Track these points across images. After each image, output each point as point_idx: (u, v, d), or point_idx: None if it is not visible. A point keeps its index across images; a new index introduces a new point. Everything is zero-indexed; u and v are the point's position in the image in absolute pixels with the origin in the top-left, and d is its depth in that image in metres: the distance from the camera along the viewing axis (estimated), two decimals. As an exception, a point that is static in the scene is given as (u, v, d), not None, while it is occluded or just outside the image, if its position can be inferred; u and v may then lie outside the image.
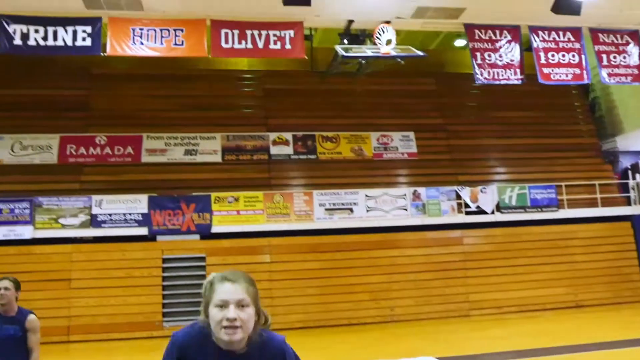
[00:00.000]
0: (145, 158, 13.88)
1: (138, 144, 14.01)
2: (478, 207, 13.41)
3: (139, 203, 12.30)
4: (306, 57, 10.43)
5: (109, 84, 14.63)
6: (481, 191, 13.51)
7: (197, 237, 12.38)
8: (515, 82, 10.60)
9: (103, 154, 13.75)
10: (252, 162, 14.41)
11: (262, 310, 2.00)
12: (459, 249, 13.28)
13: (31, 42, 9.27)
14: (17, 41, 9.25)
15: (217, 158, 14.26)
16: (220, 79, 15.41)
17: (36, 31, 9.29)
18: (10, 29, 9.23)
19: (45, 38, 9.31)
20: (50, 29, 9.33)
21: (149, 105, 14.60)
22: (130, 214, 12.24)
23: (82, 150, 13.69)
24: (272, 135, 14.71)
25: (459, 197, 13.39)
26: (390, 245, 12.98)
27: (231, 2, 9.53)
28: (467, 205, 13.40)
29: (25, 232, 11.85)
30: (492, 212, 13.43)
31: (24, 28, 9.27)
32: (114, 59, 13.80)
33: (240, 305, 1.88)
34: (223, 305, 1.87)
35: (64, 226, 12.00)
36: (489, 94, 15.66)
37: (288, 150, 14.67)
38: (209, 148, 14.34)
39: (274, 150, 14.61)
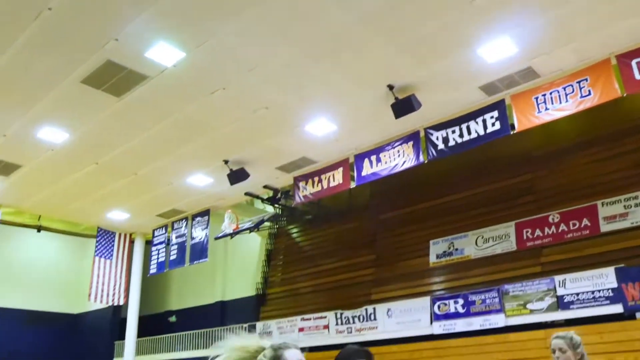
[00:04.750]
0: (605, 227, 12.53)
1: (594, 214, 12.88)
2: None
3: (605, 278, 11.09)
4: None
5: (551, 162, 14.34)
6: None
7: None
8: None
9: (559, 232, 13.18)
10: None
11: None
12: None
13: (451, 143, 10.23)
14: (441, 146, 10.39)
15: (694, 210, 11.61)
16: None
17: (453, 132, 10.24)
18: (434, 137, 10.49)
19: (461, 135, 10.14)
20: (464, 126, 10.12)
21: (596, 170, 13.44)
22: (598, 290, 11.13)
23: (538, 232, 13.51)
24: None
25: None
26: None
27: (631, 30, 8.22)
28: None
29: (498, 320, 12.24)
30: None
31: (444, 133, 10.37)
32: (550, 136, 13.68)
33: None
34: None
35: (532, 311, 11.85)
36: None
37: None
38: (682, 200, 11.88)
39: None
